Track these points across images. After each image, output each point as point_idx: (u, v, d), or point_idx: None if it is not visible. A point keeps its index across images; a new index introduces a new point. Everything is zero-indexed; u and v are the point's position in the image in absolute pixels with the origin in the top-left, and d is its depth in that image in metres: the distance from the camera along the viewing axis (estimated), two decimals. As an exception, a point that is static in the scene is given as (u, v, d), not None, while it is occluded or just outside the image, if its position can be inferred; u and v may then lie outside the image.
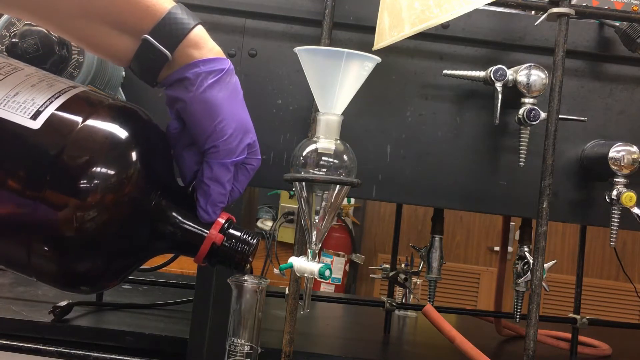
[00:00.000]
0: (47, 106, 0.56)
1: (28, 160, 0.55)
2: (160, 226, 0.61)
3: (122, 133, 0.57)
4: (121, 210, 0.57)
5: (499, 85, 0.80)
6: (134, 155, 0.58)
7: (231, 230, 0.64)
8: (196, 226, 0.62)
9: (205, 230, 0.62)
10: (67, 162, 0.54)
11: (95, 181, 0.55)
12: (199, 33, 0.61)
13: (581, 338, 1.21)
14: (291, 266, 0.67)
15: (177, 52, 0.59)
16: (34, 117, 0.55)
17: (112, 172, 0.56)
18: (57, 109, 0.56)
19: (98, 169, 0.55)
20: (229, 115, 0.61)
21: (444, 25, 0.84)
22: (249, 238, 0.64)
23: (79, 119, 0.56)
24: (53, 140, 0.55)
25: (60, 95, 0.58)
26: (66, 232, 0.54)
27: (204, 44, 0.61)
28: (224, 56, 0.62)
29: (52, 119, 0.56)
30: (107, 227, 0.56)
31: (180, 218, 0.62)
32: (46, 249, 0.55)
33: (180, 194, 0.65)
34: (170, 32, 0.59)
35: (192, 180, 0.65)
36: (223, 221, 0.63)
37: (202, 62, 0.60)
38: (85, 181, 0.54)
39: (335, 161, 0.65)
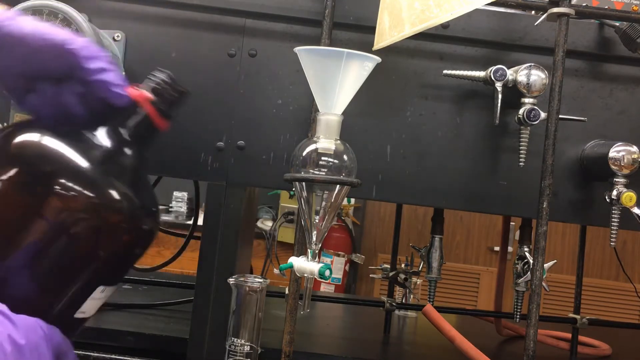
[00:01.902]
0: None
1: None
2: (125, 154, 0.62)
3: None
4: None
5: (499, 85, 0.80)
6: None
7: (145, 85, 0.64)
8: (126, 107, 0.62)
9: (136, 103, 0.62)
10: None
11: None
12: None
13: (581, 338, 1.21)
14: (291, 266, 0.67)
15: None
16: None
17: None
18: None
19: None
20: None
21: (444, 25, 0.84)
22: (159, 74, 0.64)
23: None
24: None
25: None
26: None
27: None
28: None
29: None
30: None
31: (116, 128, 0.62)
32: None
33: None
34: None
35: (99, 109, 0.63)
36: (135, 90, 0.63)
37: None
38: None
39: (335, 161, 0.65)
